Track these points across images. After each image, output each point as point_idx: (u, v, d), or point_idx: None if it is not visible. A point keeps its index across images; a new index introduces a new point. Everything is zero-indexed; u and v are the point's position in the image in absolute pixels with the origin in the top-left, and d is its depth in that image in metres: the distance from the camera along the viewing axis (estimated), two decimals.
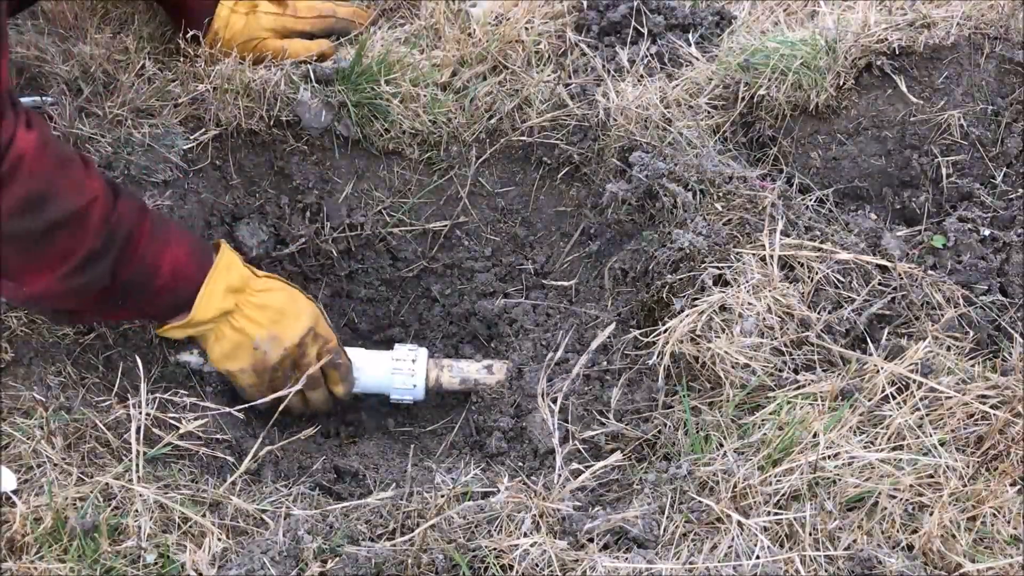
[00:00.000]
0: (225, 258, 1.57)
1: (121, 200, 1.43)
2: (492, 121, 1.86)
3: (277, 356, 1.59)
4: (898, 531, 1.26)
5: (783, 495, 1.29)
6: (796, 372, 1.47)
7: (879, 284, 1.55)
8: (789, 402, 1.41)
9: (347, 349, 1.75)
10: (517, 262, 1.93)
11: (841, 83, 1.76)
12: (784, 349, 1.48)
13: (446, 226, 1.91)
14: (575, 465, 1.43)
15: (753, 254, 1.57)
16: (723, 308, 1.52)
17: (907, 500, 1.28)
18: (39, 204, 1.33)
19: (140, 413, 1.40)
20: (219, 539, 1.30)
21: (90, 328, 1.63)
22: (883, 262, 1.57)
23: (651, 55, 1.93)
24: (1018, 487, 1.30)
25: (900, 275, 1.56)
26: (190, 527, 1.31)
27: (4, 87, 1.30)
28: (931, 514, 1.25)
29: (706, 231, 1.61)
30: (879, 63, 1.76)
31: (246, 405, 1.56)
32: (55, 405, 1.46)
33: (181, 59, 1.82)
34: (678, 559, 1.24)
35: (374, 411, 1.86)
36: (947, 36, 1.76)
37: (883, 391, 1.41)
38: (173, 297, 1.52)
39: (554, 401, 1.50)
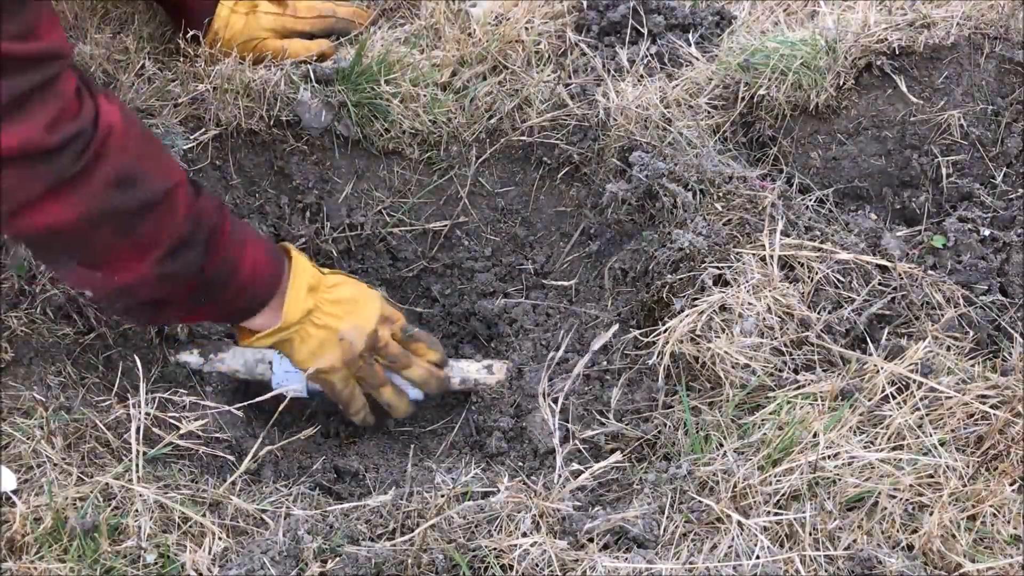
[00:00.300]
0: (299, 259, 1.56)
1: (203, 195, 1.40)
2: (492, 121, 1.86)
3: (362, 343, 1.59)
4: (898, 531, 1.26)
5: (783, 495, 1.29)
6: (796, 372, 1.47)
7: (879, 284, 1.55)
8: (789, 402, 1.41)
9: None
10: (517, 262, 1.93)
11: (841, 83, 1.76)
12: (784, 349, 1.48)
13: (446, 226, 1.91)
14: (575, 465, 1.43)
15: (753, 254, 1.57)
16: (723, 308, 1.52)
17: (907, 500, 1.28)
18: (131, 180, 1.29)
19: (140, 413, 1.39)
20: (219, 539, 1.30)
21: (90, 328, 1.63)
22: (883, 262, 1.57)
23: (651, 55, 1.93)
24: (1018, 487, 1.30)
25: (900, 275, 1.56)
26: (190, 527, 1.31)
27: (70, 54, 1.25)
28: (931, 514, 1.25)
29: (706, 231, 1.61)
30: (879, 63, 1.76)
31: (246, 403, 1.56)
32: (55, 405, 1.46)
33: (181, 59, 1.82)
34: (678, 559, 1.24)
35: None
36: (947, 36, 1.76)
37: (883, 391, 1.41)
38: (248, 298, 1.51)
39: (555, 401, 1.50)
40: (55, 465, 1.37)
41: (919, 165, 1.78)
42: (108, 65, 1.78)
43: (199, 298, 1.45)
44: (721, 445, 1.38)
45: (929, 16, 1.79)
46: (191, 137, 1.77)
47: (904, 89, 1.77)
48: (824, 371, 1.46)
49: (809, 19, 1.96)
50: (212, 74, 1.78)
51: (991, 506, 1.27)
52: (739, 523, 1.26)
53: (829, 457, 1.32)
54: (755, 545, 1.24)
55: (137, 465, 1.34)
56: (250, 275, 1.48)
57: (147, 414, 1.41)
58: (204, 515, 1.33)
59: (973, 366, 1.45)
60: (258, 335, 1.55)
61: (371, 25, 2.01)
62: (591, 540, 1.28)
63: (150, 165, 1.32)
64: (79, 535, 1.25)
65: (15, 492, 1.31)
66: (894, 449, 1.34)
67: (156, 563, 1.25)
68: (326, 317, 1.56)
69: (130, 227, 1.31)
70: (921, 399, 1.39)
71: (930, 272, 1.60)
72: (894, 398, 1.40)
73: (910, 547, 1.25)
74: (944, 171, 1.76)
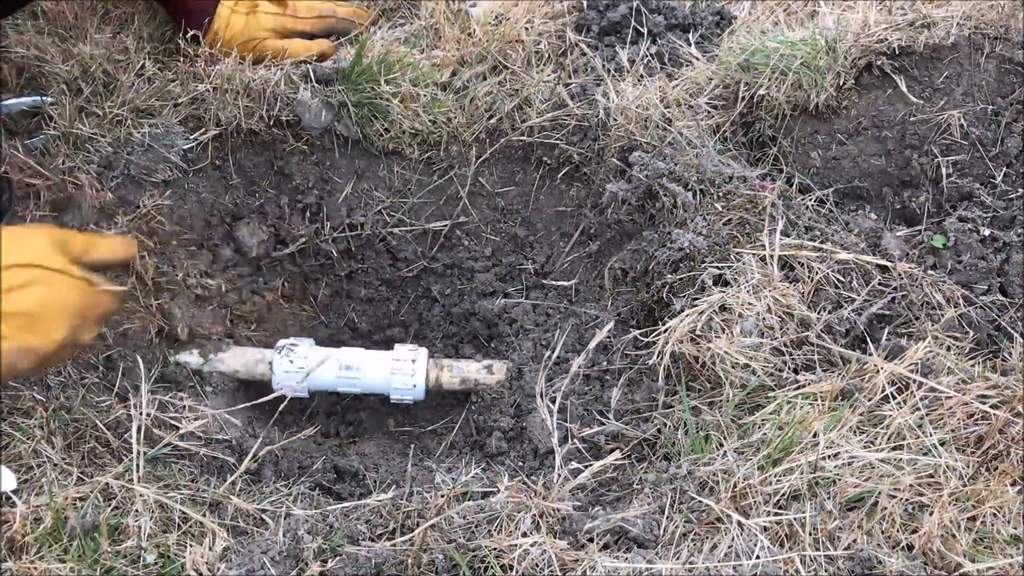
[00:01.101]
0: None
1: None
2: (492, 121, 1.86)
3: None
4: (898, 531, 1.26)
5: (783, 495, 1.29)
6: (796, 372, 1.47)
7: (879, 284, 1.55)
8: (789, 402, 1.41)
9: (347, 349, 1.75)
10: (517, 262, 1.93)
11: (841, 83, 1.76)
12: (784, 349, 1.48)
13: (446, 226, 1.91)
14: (575, 465, 1.43)
15: (753, 254, 1.57)
16: (723, 308, 1.52)
17: (907, 500, 1.28)
18: None
19: (140, 413, 1.40)
20: (219, 539, 1.30)
21: None
22: (883, 262, 1.57)
23: (651, 55, 1.93)
24: (1018, 487, 1.30)
25: (900, 275, 1.56)
26: (190, 527, 1.31)
27: None
28: (931, 514, 1.25)
29: (706, 231, 1.61)
30: (879, 63, 1.76)
31: (246, 404, 1.56)
32: (55, 405, 1.46)
33: (181, 59, 1.82)
34: (678, 559, 1.24)
35: (374, 411, 1.86)
36: (947, 36, 1.76)
37: (883, 391, 1.41)
38: None
39: (553, 401, 1.50)
40: (55, 465, 1.37)
41: (919, 165, 1.78)
42: (108, 65, 1.78)
43: None
44: (721, 445, 1.38)
45: (929, 16, 1.79)
46: (191, 137, 1.77)
47: (904, 89, 1.77)
48: (824, 371, 1.46)
49: (809, 19, 1.96)
50: (212, 74, 1.78)
51: (991, 506, 1.27)
52: (739, 523, 1.26)
53: (829, 457, 1.32)
54: (755, 545, 1.24)
55: (137, 465, 1.34)
56: None
57: (147, 414, 1.41)
58: (204, 515, 1.33)
59: (973, 366, 1.45)
60: None
61: (371, 25, 2.01)
62: (591, 540, 1.28)
63: None
64: (79, 535, 1.25)
65: (15, 492, 1.31)
66: (894, 449, 1.34)
67: (156, 563, 1.25)
68: None
69: None
70: (921, 399, 1.39)
71: (930, 272, 1.60)
72: (894, 398, 1.40)
73: (910, 547, 1.25)
74: (944, 171, 1.76)
